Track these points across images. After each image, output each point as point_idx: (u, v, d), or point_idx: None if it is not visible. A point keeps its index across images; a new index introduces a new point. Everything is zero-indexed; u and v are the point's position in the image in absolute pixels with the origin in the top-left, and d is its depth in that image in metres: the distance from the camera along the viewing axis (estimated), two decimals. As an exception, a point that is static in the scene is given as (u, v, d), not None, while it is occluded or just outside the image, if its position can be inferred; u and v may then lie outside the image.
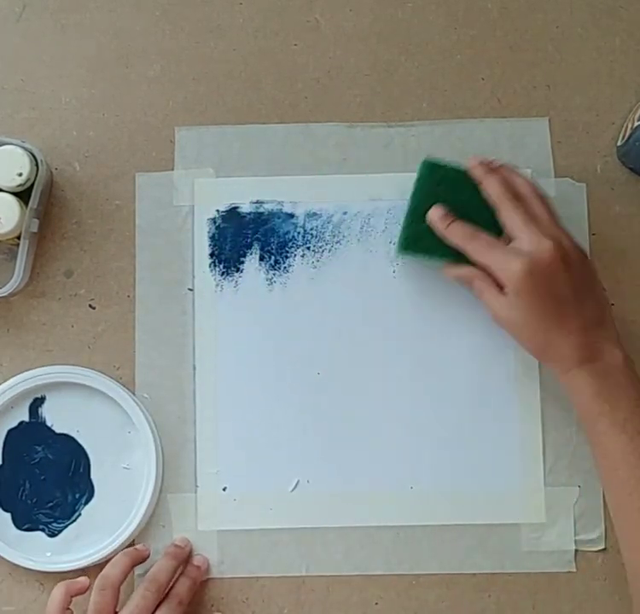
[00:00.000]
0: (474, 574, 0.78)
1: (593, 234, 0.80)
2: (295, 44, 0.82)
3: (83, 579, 0.74)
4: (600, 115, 0.81)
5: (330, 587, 0.78)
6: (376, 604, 0.78)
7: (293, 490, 0.78)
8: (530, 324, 0.71)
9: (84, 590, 0.73)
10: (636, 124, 0.77)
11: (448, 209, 0.74)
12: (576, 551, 0.78)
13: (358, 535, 0.78)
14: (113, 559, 0.74)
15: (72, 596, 0.73)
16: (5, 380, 0.78)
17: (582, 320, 0.71)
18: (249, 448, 0.78)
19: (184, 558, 0.77)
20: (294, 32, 0.82)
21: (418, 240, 0.75)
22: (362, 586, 0.78)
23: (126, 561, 0.74)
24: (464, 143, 0.81)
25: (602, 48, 0.82)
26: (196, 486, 0.78)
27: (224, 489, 0.78)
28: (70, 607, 0.72)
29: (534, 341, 0.72)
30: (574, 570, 0.78)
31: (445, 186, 0.75)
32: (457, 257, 0.74)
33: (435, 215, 0.74)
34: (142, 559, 0.76)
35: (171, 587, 0.75)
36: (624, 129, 0.80)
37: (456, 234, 0.74)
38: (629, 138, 0.78)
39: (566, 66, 0.82)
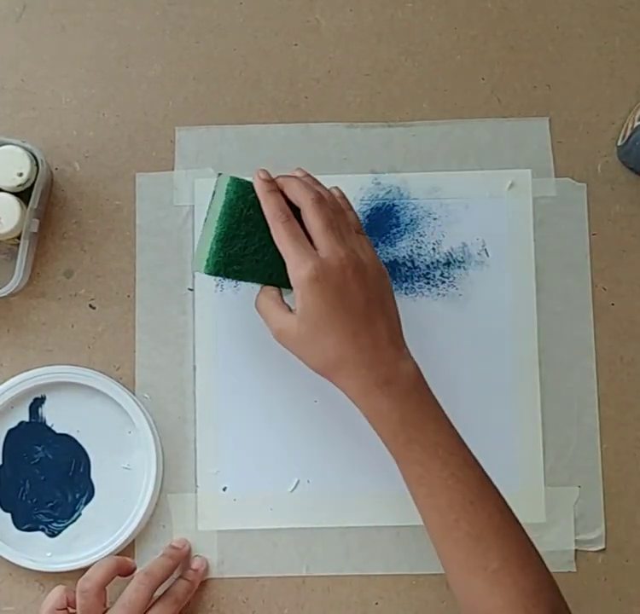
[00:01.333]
0: (475, 574, 0.78)
1: (593, 234, 0.80)
2: (295, 44, 0.82)
3: None
4: (600, 115, 0.81)
5: (330, 588, 0.78)
6: (376, 604, 0.78)
7: (293, 490, 0.78)
8: (318, 339, 0.67)
9: None
10: (636, 124, 0.77)
11: (258, 232, 0.70)
12: (576, 551, 0.78)
13: (358, 535, 0.78)
14: (97, 562, 0.74)
15: (68, 603, 0.73)
16: (5, 380, 0.78)
17: (375, 336, 0.67)
18: (249, 448, 0.78)
19: (181, 559, 0.77)
20: (294, 32, 0.82)
21: (229, 264, 0.70)
22: (362, 586, 0.78)
23: (112, 564, 0.73)
24: (464, 143, 0.81)
25: (602, 48, 0.82)
26: (196, 486, 0.78)
27: (224, 489, 0.78)
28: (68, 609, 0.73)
29: (324, 359, 0.68)
30: (574, 570, 0.78)
31: (255, 207, 0.70)
32: (268, 281, 0.71)
33: (258, 177, 0.69)
34: (127, 569, 0.75)
35: (169, 587, 0.75)
36: (624, 129, 0.80)
37: (270, 205, 0.68)
38: (629, 138, 0.78)
39: (566, 66, 0.82)
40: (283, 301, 0.70)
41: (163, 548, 0.77)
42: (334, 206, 0.70)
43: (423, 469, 0.67)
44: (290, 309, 0.69)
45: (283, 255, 0.68)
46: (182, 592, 0.75)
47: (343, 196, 0.73)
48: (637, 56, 0.82)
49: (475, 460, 0.68)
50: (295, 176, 0.71)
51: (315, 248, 0.68)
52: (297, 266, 0.67)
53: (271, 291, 0.71)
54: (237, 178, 0.70)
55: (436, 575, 0.78)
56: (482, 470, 0.68)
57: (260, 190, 0.69)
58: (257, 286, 0.72)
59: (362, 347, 0.67)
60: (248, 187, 0.70)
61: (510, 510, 0.68)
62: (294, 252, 0.67)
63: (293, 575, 0.78)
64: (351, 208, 0.73)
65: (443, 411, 0.69)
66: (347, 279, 0.67)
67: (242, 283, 0.79)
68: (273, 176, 0.71)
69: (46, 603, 0.72)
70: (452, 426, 0.69)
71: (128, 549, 0.78)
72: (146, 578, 0.73)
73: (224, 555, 0.78)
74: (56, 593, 0.73)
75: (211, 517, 0.78)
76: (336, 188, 0.73)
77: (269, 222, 0.69)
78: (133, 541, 0.78)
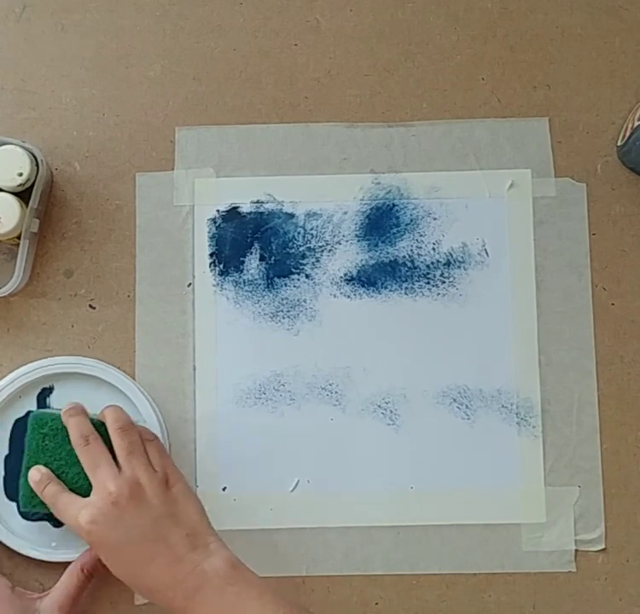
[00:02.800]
0: (475, 574, 0.78)
1: (593, 234, 0.80)
2: (295, 44, 0.82)
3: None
4: (600, 115, 0.81)
5: (330, 588, 0.78)
6: (376, 604, 0.78)
7: (293, 490, 0.78)
8: (117, 570, 0.69)
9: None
10: (636, 123, 0.77)
11: (56, 460, 0.73)
12: (576, 551, 0.78)
13: (358, 535, 0.78)
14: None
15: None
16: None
17: (171, 553, 0.68)
18: (249, 448, 0.78)
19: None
20: (294, 32, 0.82)
21: (35, 497, 0.73)
22: (362, 586, 0.78)
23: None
24: (464, 143, 0.81)
25: (601, 48, 0.82)
26: (196, 486, 0.78)
27: (224, 489, 0.78)
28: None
29: (133, 587, 0.70)
30: (574, 570, 0.78)
31: (51, 436, 0.73)
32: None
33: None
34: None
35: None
36: (624, 129, 0.80)
37: (73, 429, 0.72)
38: (629, 138, 0.78)
39: (566, 66, 0.82)
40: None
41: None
42: (112, 431, 0.72)
43: None
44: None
45: (93, 478, 0.71)
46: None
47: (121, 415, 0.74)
48: (637, 56, 0.82)
49: None
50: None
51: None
52: (74, 515, 0.69)
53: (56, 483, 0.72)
54: (36, 412, 0.75)
55: (436, 575, 0.78)
56: None
57: (65, 416, 0.73)
58: None
59: (160, 571, 0.68)
60: (46, 417, 0.74)
61: None
62: (94, 479, 0.70)
63: (293, 575, 0.78)
64: (115, 426, 0.73)
65: (265, 587, 0.68)
66: (121, 511, 0.69)
67: (243, 283, 0.79)
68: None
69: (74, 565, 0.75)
70: (274, 600, 0.67)
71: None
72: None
73: (223, 555, 0.78)
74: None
75: (211, 517, 0.78)
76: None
77: (73, 443, 0.72)
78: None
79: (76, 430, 0.72)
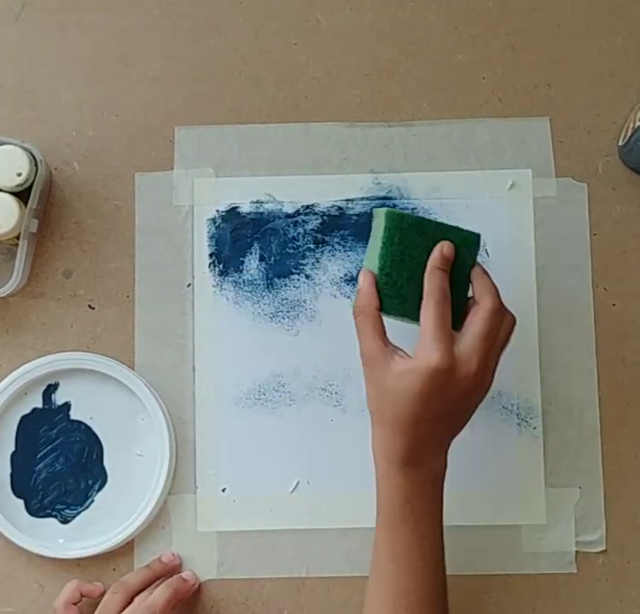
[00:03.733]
0: (475, 575, 0.78)
1: (594, 234, 0.80)
2: (295, 44, 0.82)
3: (98, 584, 0.75)
4: (601, 115, 0.81)
5: (330, 589, 0.78)
6: (376, 605, 0.78)
7: (292, 491, 0.78)
8: (387, 400, 0.68)
9: (95, 595, 0.75)
10: (637, 123, 0.76)
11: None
12: (577, 552, 0.78)
13: (358, 535, 0.78)
14: (136, 569, 0.76)
15: (82, 595, 0.74)
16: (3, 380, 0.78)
17: (430, 431, 0.68)
18: (248, 449, 0.78)
19: (164, 573, 0.76)
20: (294, 32, 0.82)
21: (393, 303, 0.70)
22: (362, 587, 0.77)
23: (148, 573, 0.75)
24: (465, 143, 0.81)
25: (603, 47, 0.82)
26: (196, 487, 0.78)
27: (224, 490, 0.78)
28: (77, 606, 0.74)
29: (378, 410, 0.69)
30: (575, 571, 0.78)
31: (412, 241, 0.70)
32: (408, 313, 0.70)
33: (440, 252, 0.70)
34: (167, 571, 0.76)
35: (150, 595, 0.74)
36: (625, 128, 0.80)
37: (434, 280, 0.69)
38: (630, 138, 0.77)
39: (567, 65, 0.81)
40: (386, 337, 0.69)
41: (161, 552, 0.78)
42: (508, 321, 0.70)
43: (403, 550, 0.68)
44: (386, 344, 0.69)
45: (422, 329, 0.68)
46: (160, 601, 0.73)
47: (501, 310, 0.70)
48: (638, 56, 0.81)
49: (444, 566, 0.70)
50: (485, 273, 0.71)
51: (456, 336, 0.68)
52: (427, 348, 0.66)
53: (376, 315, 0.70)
54: (391, 210, 0.70)
55: (436, 576, 0.77)
56: (445, 577, 0.70)
57: (433, 262, 0.69)
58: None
59: (413, 430, 0.67)
60: (403, 219, 0.70)
61: None
62: (432, 335, 0.67)
63: (293, 576, 0.78)
64: (512, 329, 0.71)
65: (442, 514, 0.70)
66: (456, 387, 0.67)
67: (242, 283, 0.79)
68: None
69: (61, 597, 0.74)
70: (442, 530, 0.70)
71: (127, 550, 0.78)
72: (118, 587, 0.73)
73: (223, 556, 0.78)
74: (70, 587, 0.74)
75: (210, 518, 0.78)
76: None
77: (424, 296, 0.69)
78: (132, 542, 0.78)
79: (439, 283, 0.68)
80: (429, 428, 0.68)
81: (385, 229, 0.70)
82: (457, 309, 0.70)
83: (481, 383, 0.68)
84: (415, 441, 0.68)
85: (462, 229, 0.71)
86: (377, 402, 0.69)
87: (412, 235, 0.70)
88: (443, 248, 0.70)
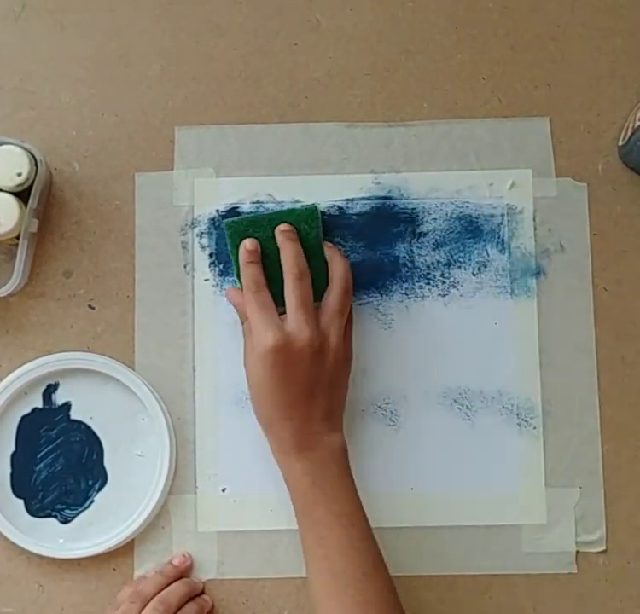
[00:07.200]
0: (475, 575, 0.78)
1: (594, 235, 0.80)
2: (295, 44, 0.82)
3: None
4: (601, 115, 0.81)
5: (330, 589, 0.78)
6: (376, 605, 0.77)
7: (293, 491, 0.78)
8: (261, 393, 0.72)
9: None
10: (637, 123, 0.76)
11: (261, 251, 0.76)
12: (577, 552, 0.78)
13: (358, 536, 0.78)
14: (149, 576, 0.76)
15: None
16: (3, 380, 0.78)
17: (309, 410, 0.72)
18: (249, 449, 0.78)
19: (176, 577, 0.76)
20: (294, 32, 0.82)
21: None
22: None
23: (162, 580, 0.75)
24: (465, 143, 0.80)
25: (603, 47, 0.82)
26: (196, 487, 0.78)
27: (224, 490, 0.78)
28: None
29: (260, 411, 0.74)
30: (575, 571, 0.78)
31: (255, 233, 0.76)
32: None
33: (243, 247, 0.76)
34: (180, 573, 0.76)
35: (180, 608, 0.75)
36: (625, 129, 0.80)
37: (245, 275, 0.75)
38: (630, 138, 0.77)
39: (567, 65, 0.81)
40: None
41: (163, 559, 0.78)
42: (336, 283, 0.75)
43: (325, 531, 0.70)
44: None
45: (250, 322, 0.73)
46: (171, 595, 0.74)
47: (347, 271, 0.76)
48: (638, 56, 0.81)
49: (373, 537, 0.72)
50: (290, 242, 0.75)
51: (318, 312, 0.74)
52: (259, 334, 0.72)
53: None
54: (230, 220, 0.77)
55: (436, 575, 0.77)
56: (378, 547, 0.72)
57: (241, 258, 0.76)
58: None
59: (291, 416, 0.72)
60: (241, 221, 0.77)
61: (395, 591, 0.71)
62: (259, 321, 0.72)
63: (294, 576, 0.78)
64: (347, 289, 0.75)
65: (355, 488, 0.73)
66: (303, 356, 0.71)
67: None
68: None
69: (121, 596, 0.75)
70: (360, 503, 0.72)
71: (127, 550, 0.78)
72: (135, 597, 0.73)
73: (223, 556, 0.78)
74: (128, 589, 0.75)
75: (210, 518, 0.78)
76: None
77: (243, 290, 0.75)
78: (132, 542, 0.77)
79: (252, 275, 0.74)
80: (302, 407, 0.72)
81: (228, 237, 0.77)
82: (319, 279, 0.76)
83: (326, 347, 0.72)
84: (295, 425, 0.71)
85: (294, 209, 0.78)
86: (253, 398, 0.74)
87: (251, 234, 0.76)
88: (246, 244, 0.76)
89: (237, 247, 0.76)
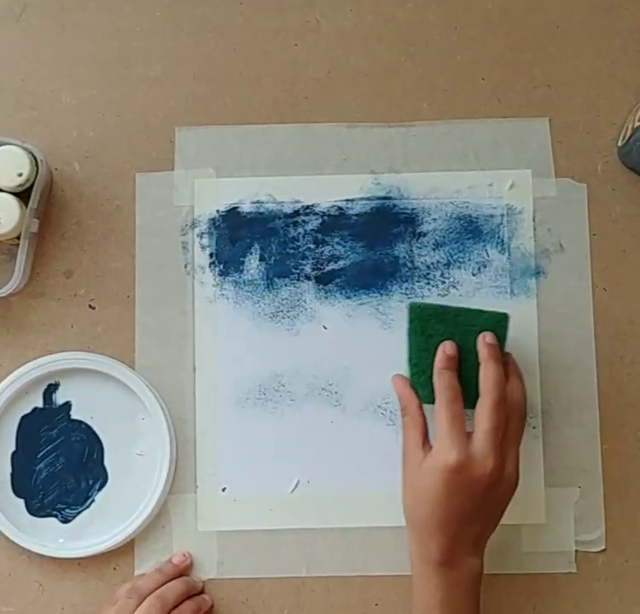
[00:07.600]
0: (475, 575, 0.78)
1: (593, 235, 0.80)
2: (295, 44, 0.82)
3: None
4: (600, 115, 0.81)
5: (330, 588, 0.78)
6: (376, 605, 0.78)
7: (293, 491, 0.78)
8: (423, 501, 0.70)
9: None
10: (636, 124, 0.76)
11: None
12: (576, 552, 0.78)
13: (358, 535, 0.78)
14: (148, 573, 0.76)
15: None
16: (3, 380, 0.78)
17: (462, 532, 0.70)
18: (249, 448, 0.78)
19: (175, 575, 0.76)
20: (294, 32, 0.82)
21: (426, 391, 0.73)
22: (362, 586, 0.78)
23: (161, 577, 0.75)
24: (464, 143, 0.81)
25: (602, 48, 0.82)
26: (196, 487, 0.78)
27: (224, 490, 0.78)
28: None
29: (415, 517, 0.71)
30: (575, 570, 0.78)
31: (434, 330, 0.73)
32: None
33: (443, 351, 0.72)
34: (179, 572, 0.76)
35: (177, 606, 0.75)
36: (624, 129, 0.80)
37: (441, 381, 0.71)
38: (629, 138, 0.77)
39: (566, 66, 0.82)
40: (427, 436, 0.72)
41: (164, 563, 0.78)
42: (515, 410, 0.72)
43: None
44: (424, 443, 0.71)
45: (437, 430, 0.70)
46: (169, 592, 0.74)
47: (524, 396, 0.73)
48: (638, 56, 0.81)
49: None
50: (494, 362, 0.71)
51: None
52: (444, 448, 0.69)
53: (419, 416, 0.73)
54: (416, 303, 0.74)
55: (436, 575, 0.77)
56: None
57: (438, 363, 0.72)
58: None
59: (445, 532, 0.69)
60: (427, 309, 0.73)
61: None
62: (447, 435, 0.69)
63: (293, 576, 0.78)
64: (524, 416, 0.73)
65: (479, 611, 0.71)
66: (480, 483, 0.69)
67: (243, 283, 0.79)
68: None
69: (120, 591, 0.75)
70: None
71: (128, 550, 0.78)
72: (132, 593, 0.73)
73: (223, 556, 0.78)
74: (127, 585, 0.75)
75: (210, 518, 0.78)
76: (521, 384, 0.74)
77: (436, 395, 0.71)
78: (133, 541, 0.78)
79: (448, 383, 0.71)
80: (458, 527, 0.69)
81: (409, 321, 0.73)
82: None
83: (502, 478, 0.70)
84: (446, 542, 0.69)
85: (483, 311, 0.73)
86: (410, 502, 0.71)
87: (433, 324, 0.73)
88: (445, 348, 0.72)
89: (417, 333, 0.73)
